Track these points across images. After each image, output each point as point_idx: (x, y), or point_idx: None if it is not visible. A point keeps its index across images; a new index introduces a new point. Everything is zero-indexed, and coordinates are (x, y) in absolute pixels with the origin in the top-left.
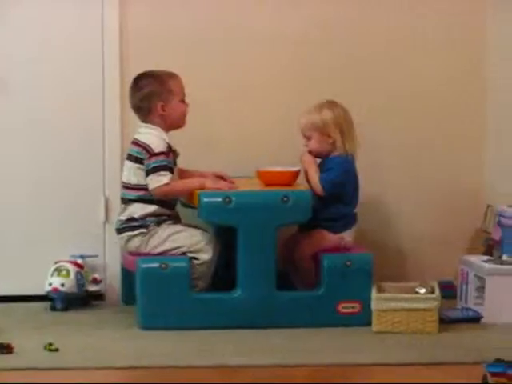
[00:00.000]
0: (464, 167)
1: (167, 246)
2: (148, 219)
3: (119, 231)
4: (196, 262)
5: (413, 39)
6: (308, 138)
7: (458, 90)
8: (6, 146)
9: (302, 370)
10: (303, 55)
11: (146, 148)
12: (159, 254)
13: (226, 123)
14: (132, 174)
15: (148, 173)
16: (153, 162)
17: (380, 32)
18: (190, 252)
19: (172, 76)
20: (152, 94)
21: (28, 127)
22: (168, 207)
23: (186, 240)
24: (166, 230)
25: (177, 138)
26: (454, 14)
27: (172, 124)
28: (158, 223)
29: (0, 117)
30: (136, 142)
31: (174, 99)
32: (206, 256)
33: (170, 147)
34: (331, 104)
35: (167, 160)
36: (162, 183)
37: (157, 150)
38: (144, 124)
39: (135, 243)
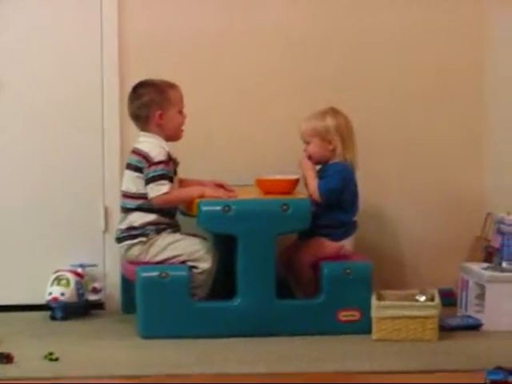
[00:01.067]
0: (464, 175)
1: (167, 254)
2: (148, 228)
3: (119, 240)
4: (196, 270)
5: (414, 40)
6: (308, 144)
7: (457, 96)
8: (5, 155)
9: (302, 377)
10: (302, 62)
11: (145, 157)
12: (159, 262)
13: (226, 131)
14: (131, 182)
15: (147, 182)
16: (152, 171)
17: (380, 34)
18: (190, 260)
19: (171, 86)
20: (151, 102)
21: (27, 136)
22: (168, 216)
23: (185, 248)
24: (166, 238)
25: (176, 146)
26: (452, 12)
27: (168, 134)
28: (158, 232)
29: None
30: (135, 151)
31: (172, 109)
32: (205, 265)
33: (169, 156)
34: (334, 111)
35: (166, 169)
36: (162, 192)
37: (156, 159)
38: (143, 133)
39: (135, 252)
